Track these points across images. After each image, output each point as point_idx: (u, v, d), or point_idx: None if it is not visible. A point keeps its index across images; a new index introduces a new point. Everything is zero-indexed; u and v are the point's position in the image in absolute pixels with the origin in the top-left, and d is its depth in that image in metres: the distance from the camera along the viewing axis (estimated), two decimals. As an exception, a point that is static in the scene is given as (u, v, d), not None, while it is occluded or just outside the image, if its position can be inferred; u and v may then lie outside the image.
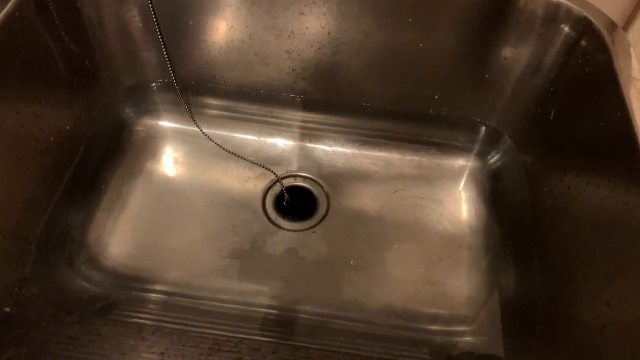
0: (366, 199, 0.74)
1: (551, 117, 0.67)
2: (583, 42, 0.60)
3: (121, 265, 0.67)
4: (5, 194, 0.58)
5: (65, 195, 0.68)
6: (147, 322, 0.57)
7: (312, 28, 0.70)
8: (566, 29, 0.61)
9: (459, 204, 0.74)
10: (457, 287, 0.67)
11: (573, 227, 0.57)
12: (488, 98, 0.74)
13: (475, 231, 0.71)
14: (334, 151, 0.79)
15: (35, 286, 0.59)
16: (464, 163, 0.77)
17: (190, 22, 0.71)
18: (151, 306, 0.63)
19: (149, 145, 0.78)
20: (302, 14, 0.68)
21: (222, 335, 0.57)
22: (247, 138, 0.80)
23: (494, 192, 0.74)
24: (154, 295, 0.65)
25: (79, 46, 0.69)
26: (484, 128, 0.77)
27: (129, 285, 0.65)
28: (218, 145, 0.79)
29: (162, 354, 0.49)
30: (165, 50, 0.74)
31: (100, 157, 0.74)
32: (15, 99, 0.58)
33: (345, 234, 0.71)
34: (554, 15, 0.61)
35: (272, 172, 0.77)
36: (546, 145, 0.68)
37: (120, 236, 0.69)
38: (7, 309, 0.53)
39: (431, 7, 0.65)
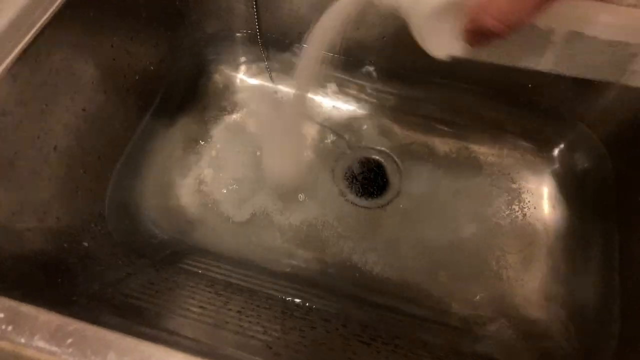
0: (442, 183, 0.71)
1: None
2: None
3: (190, 214, 0.66)
4: (91, 129, 0.57)
5: (143, 136, 0.67)
6: (218, 276, 0.56)
7: None
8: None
9: (538, 199, 0.70)
10: (522, 285, 0.64)
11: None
12: (587, 96, 0.70)
13: (552, 230, 0.68)
14: (412, 125, 0.76)
15: (110, 224, 0.59)
16: (548, 159, 0.74)
17: None
18: (217, 260, 0.62)
19: (225, 96, 0.76)
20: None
21: (289, 301, 0.56)
22: (323, 103, 0.78)
23: (579, 193, 0.70)
24: (220, 248, 0.64)
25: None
26: (577, 126, 0.73)
27: (196, 236, 0.65)
28: (293, 107, 0.76)
29: (239, 312, 0.48)
30: (255, 1, 0.71)
31: (178, 101, 0.72)
32: (111, 31, 0.57)
33: (415, 217, 0.68)
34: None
35: (344, 139, 0.74)
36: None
37: (190, 185, 0.68)
38: (86, 244, 0.53)
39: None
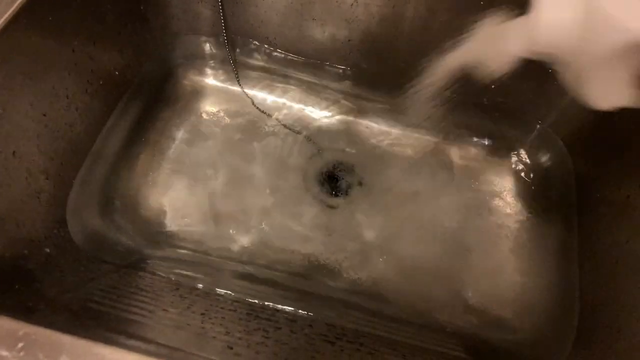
0: (404, 183, 0.72)
1: (612, 124, 0.64)
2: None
3: (155, 219, 0.65)
4: (52, 134, 0.56)
5: (107, 141, 0.66)
6: (183, 280, 0.56)
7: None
8: None
9: (504, 199, 0.72)
10: (486, 282, 0.65)
11: (629, 237, 0.55)
12: (548, 97, 0.72)
13: (515, 229, 0.69)
14: (379, 128, 0.77)
15: (73, 230, 0.58)
16: (511, 159, 0.75)
17: None
18: (182, 264, 0.62)
19: (192, 100, 0.76)
20: (369, -17, 0.66)
21: (256, 303, 0.56)
22: (291, 105, 0.78)
23: (541, 192, 0.72)
24: (185, 252, 0.64)
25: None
26: (537, 126, 0.74)
27: (161, 240, 0.64)
28: (259, 109, 0.77)
29: (203, 314, 0.48)
30: (220, 4, 0.71)
31: (144, 107, 0.72)
32: (73, 36, 0.57)
33: (381, 217, 0.69)
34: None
35: (312, 141, 0.75)
36: (604, 152, 0.66)
37: (156, 189, 0.68)
38: (48, 250, 0.52)
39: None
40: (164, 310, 0.47)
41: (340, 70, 0.77)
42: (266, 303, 0.55)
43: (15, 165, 0.51)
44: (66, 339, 0.33)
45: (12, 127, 0.49)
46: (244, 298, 0.56)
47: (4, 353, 0.32)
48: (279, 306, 0.56)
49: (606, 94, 0.36)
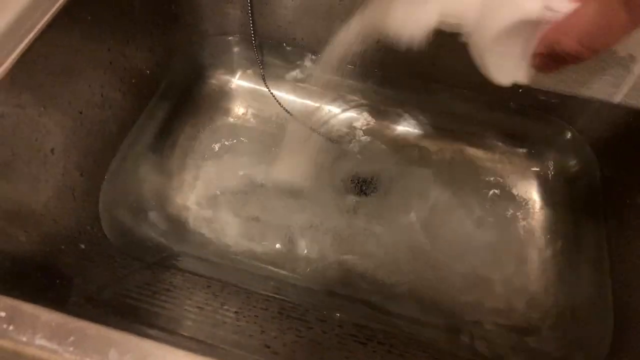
0: (431, 187, 0.72)
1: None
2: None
3: (183, 218, 0.66)
4: (87, 131, 0.57)
5: (138, 138, 0.67)
6: (214, 278, 0.56)
7: None
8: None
9: (529, 203, 0.72)
10: (515, 287, 0.65)
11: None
12: (576, 101, 0.71)
13: (543, 233, 0.69)
14: (404, 130, 0.77)
15: (106, 227, 0.59)
16: (538, 163, 0.75)
17: None
18: (211, 262, 0.63)
19: (221, 100, 0.77)
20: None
21: (286, 302, 0.56)
22: (317, 107, 0.78)
23: (568, 196, 0.72)
24: (214, 251, 0.64)
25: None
26: (565, 129, 0.74)
27: (190, 238, 0.65)
28: (286, 111, 0.77)
29: (236, 312, 0.49)
30: (250, 5, 0.72)
31: (173, 104, 0.72)
32: (109, 35, 0.57)
33: (410, 220, 0.69)
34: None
35: (336, 143, 0.75)
36: (632, 157, 0.66)
37: (185, 187, 0.68)
38: (83, 246, 0.53)
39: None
40: (199, 307, 0.48)
41: (369, 72, 0.77)
42: (294, 302, 0.55)
43: (53, 162, 0.52)
44: (114, 334, 0.33)
45: (52, 124, 0.50)
46: (275, 296, 0.56)
47: (55, 347, 0.32)
48: (309, 306, 0.56)
49: (503, 70, 0.37)
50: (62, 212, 0.53)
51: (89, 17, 0.53)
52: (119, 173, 0.64)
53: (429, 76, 0.76)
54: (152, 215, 0.64)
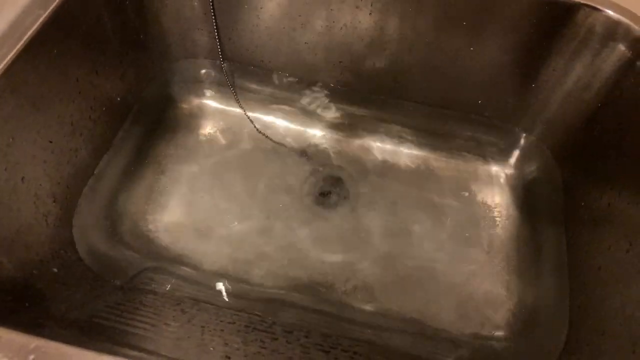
0: (397, 197, 0.75)
1: (595, 134, 0.67)
2: (638, 63, 0.60)
3: (158, 238, 0.68)
4: (58, 159, 0.59)
5: (111, 163, 0.69)
6: (185, 295, 0.59)
7: (364, 22, 0.71)
8: (622, 47, 0.61)
9: (492, 209, 0.74)
10: (478, 290, 0.68)
11: (610, 243, 0.58)
12: (532, 108, 0.75)
13: (506, 238, 0.72)
14: (370, 144, 0.80)
15: (80, 250, 0.61)
16: (500, 169, 0.78)
17: (245, 6, 0.72)
18: (184, 280, 0.64)
19: (192, 122, 0.79)
20: (357, 7, 0.69)
21: (253, 316, 0.58)
22: (287, 125, 0.81)
23: (529, 200, 0.74)
24: (186, 269, 0.66)
25: (136, 20, 0.70)
26: (524, 137, 0.77)
27: (164, 257, 0.67)
28: (258, 130, 0.80)
29: (203, 327, 0.51)
30: (217, 31, 0.75)
31: (145, 130, 0.75)
32: (76, 67, 0.60)
33: (373, 229, 0.71)
34: (612, 33, 0.61)
35: (310, 160, 0.78)
36: (588, 161, 0.69)
37: (158, 209, 0.70)
38: (55, 270, 0.55)
39: (487, 12, 0.65)
40: (166, 324, 0.50)
41: (333, 90, 0.80)
42: (261, 315, 0.57)
43: (24, 190, 0.54)
44: (74, 351, 0.35)
45: (21, 154, 0.53)
46: (243, 311, 0.58)
47: (16, 365, 0.34)
48: (276, 319, 0.58)
49: None
50: (35, 238, 0.55)
51: (55, 50, 0.55)
52: (93, 197, 0.66)
53: (392, 92, 0.79)
54: (126, 237, 0.66)
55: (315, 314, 0.62)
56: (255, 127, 0.80)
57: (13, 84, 0.50)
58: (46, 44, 0.54)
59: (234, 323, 0.54)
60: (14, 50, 0.50)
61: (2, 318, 0.36)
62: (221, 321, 0.53)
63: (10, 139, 0.51)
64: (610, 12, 0.59)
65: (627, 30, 0.60)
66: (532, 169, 0.76)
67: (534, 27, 0.66)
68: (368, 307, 0.64)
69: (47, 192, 0.58)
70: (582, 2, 0.60)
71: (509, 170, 0.78)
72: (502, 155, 0.78)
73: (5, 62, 0.49)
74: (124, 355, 0.35)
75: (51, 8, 0.53)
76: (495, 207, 0.74)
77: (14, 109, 0.51)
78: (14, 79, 0.50)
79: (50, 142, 0.57)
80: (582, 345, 0.56)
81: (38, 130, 0.55)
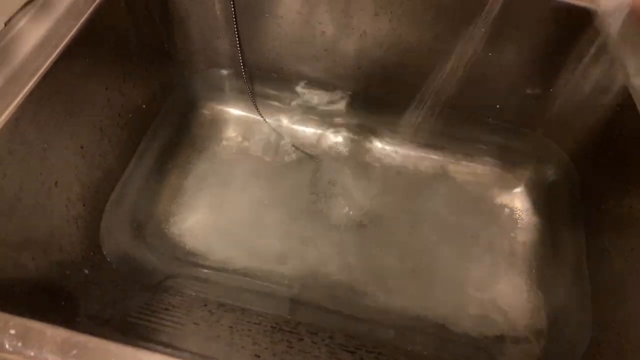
0: (417, 204, 0.76)
1: (614, 137, 0.68)
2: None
3: (182, 241, 0.70)
4: (88, 164, 0.61)
5: (136, 168, 0.71)
6: (211, 297, 0.60)
7: (384, 29, 0.72)
8: None
9: (512, 214, 0.75)
10: (500, 294, 0.68)
11: (632, 246, 0.58)
12: (551, 112, 0.75)
13: (527, 241, 0.72)
14: (388, 149, 0.81)
15: (108, 252, 0.62)
16: (519, 174, 0.78)
17: (267, 15, 0.74)
18: (209, 282, 0.66)
19: (214, 128, 0.81)
20: (376, 14, 0.70)
21: (279, 317, 0.59)
22: (306, 130, 0.83)
23: (548, 205, 0.75)
24: (211, 272, 0.67)
25: (161, 29, 0.72)
26: (543, 141, 0.78)
27: (188, 260, 0.68)
28: (279, 135, 0.81)
29: (231, 327, 0.52)
30: (238, 39, 0.77)
31: (169, 136, 0.77)
32: (106, 75, 0.62)
33: (393, 233, 0.72)
34: (630, 37, 0.62)
35: (327, 165, 0.79)
36: (607, 164, 0.69)
37: (183, 212, 0.72)
38: (86, 271, 0.56)
39: (506, 18, 0.66)
40: (195, 324, 0.51)
41: (353, 97, 0.82)
42: (288, 317, 0.58)
43: (57, 194, 0.56)
44: (113, 346, 0.36)
45: (56, 159, 0.54)
46: (268, 312, 0.59)
47: (60, 359, 0.35)
48: (301, 320, 0.59)
49: None
50: (67, 240, 0.57)
51: (88, 60, 0.57)
52: (120, 201, 0.68)
53: (411, 97, 0.80)
54: (151, 240, 0.68)
55: (337, 315, 0.63)
56: (277, 132, 0.81)
57: (49, 92, 0.52)
58: (79, 55, 0.56)
59: (260, 324, 0.55)
60: (50, 59, 0.52)
61: (43, 315, 0.38)
62: (248, 322, 0.55)
63: (46, 145, 0.53)
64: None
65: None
66: (551, 173, 0.77)
67: (552, 32, 0.67)
68: (392, 310, 0.65)
69: (78, 196, 0.60)
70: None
71: (529, 175, 0.78)
72: (521, 160, 0.79)
73: (42, 70, 0.51)
74: (161, 352, 0.37)
75: (83, 18, 0.55)
76: (515, 212, 0.75)
77: (50, 116, 0.53)
78: (50, 87, 0.52)
79: (82, 147, 0.59)
80: (604, 349, 0.57)
81: (71, 135, 0.57)
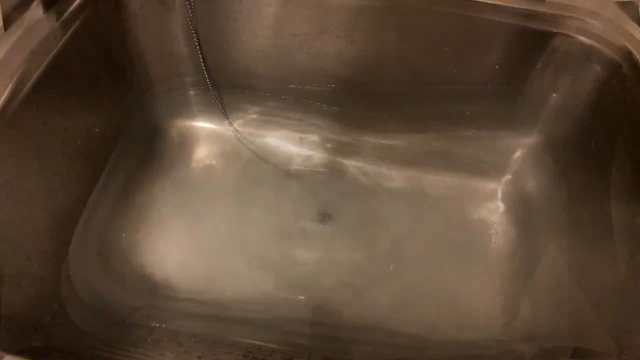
0: (393, 217, 0.76)
1: (592, 146, 0.66)
2: (613, 81, 0.62)
3: (151, 272, 0.68)
4: (54, 196, 0.58)
5: (101, 199, 0.68)
6: (182, 328, 0.59)
7: (355, 45, 0.70)
8: (598, 68, 0.63)
9: (489, 226, 0.75)
10: (479, 304, 0.69)
11: (612, 254, 0.58)
12: (524, 121, 0.75)
13: (504, 253, 0.73)
14: (361, 166, 0.81)
15: (77, 286, 0.61)
16: (495, 185, 0.79)
17: (231, 40, 0.71)
18: (181, 313, 0.65)
19: (183, 147, 0.79)
20: (345, 35, 0.69)
21: (252, 344, 0.58)
22: (281, 145, 0.82)
23: (526, 216, 0.75)
24: (184, 302, 0.66)
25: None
26: (519, 150, 0.77)
27: (159, 292, 0.67)
28: (249, 148, 0.80)
29: (200, 357, 0.51)
30: (199, 47, 0.70)
31: (135, 162, 0.74)
32: (72, 107, 0.60)
33: (372, 248, 0.72)
34: (586, 56, 0.63)
35: (303, 182, 0.78)
36: (587, 171, 0.67)
37: (152, 242, 0.71)
38: (55, 306, 0.55)
39: (471, 31, 0.66)
40: (161, 355, 0.50)
41: (327, 109, 0.80)
42: (259, 343, 0.57)
43: (25, 227, 0.53)
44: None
45: (21, 191, 0.52)
46: (240, 340, 0.58)
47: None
48: (275, 346, 0.58)
49: None
50: (35, 274, 0.54)
51: (54, 91, 0.55)
52: (85, 233, 0.65)
53: (384, 110, 0.78)
54: (119, 272, 0.66)
55: (315, 338, 0.63)
56: (246, 146, 0.80)
57: (7, 124, 0.48)
58: (46, 87, 0.53)
59: (232, 353, 0.54)
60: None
61: (12, 347, 0.36)
62: (219, 351, 0.54)
63: (8, 175, 0.50)
64: (582, 39, 0.61)
65: (600, 53, 0.62)
66: (529, 183, 0.76)
67: (514, 50, 0.67)
68: (370, 326, 0.65)
69: (45, 228, 0.57)
70: (556, 30, 0.62)
71: (505, 187, 0.78)
72: (496, 171, 0.79)
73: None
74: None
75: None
76: (492, 224, 0.75)
77: (12, 146, 0.50)
78: (7, 120, 0.48)
79: (47, 177, 0.57)
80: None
81: (38, 166, 0.54)
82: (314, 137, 0.82)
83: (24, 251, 0.53)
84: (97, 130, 0.65)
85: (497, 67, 0.69)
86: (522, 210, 0.77)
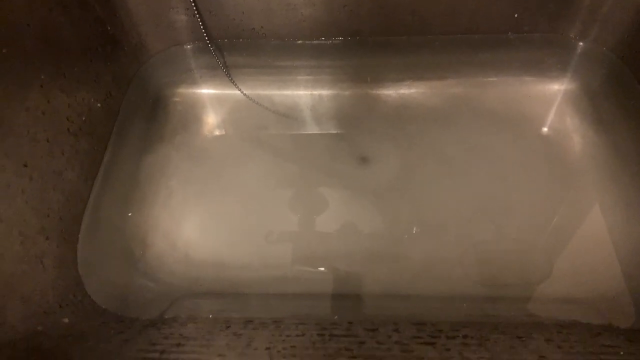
0: (448, 145, 0.63)
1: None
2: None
3: (183, 257, 0.56)
4: (40, 186, 0.47)
5: (107, 183, 0.58)
6: (233, 315, 0.47)
7: None
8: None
9: (558, 134, 0.62)
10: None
11: None
12: (579, 11, 0.63)
13: (584, 160, 0.60)
14: (400, 94, 0.68)
15: (91, 290, 0.49)
16: (557, 88, 0.66)
17: None
18: (224, 299, 0.53)
19: (190, 117, 0.68)
20: None
21: (323, 320, 0.46)
22: (293, 94, 0.69)
23: (601, 116, 0.62)
24: (224, 285, 0.54)
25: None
26: (580, 45, 0.65)
27: (197, 276, 0.55)
28: (259, 105, 0.68)
29: (268, 348, 0.39)
30: (194, 5, 0.63)
31: (139, 135, 0.64)
32: (37, 69, 0.48)
33: (430, 180, 0.60)
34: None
35: (323, 128, 0.66)
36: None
37: (174, 226, 0.59)
38: (66, 320, 0.43)
39: None
40: (220, 355, 0.38)
41: (342, 43, 0.68)
42: (335, 317, 0.45)
43: (2, 230, 0.42)
44: None
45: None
46: (308, 318, 0.46)
47: None
48: (351, 318, 0.46)
49: None
50: (32, 287, 0.43)
51: (4, 50, 0.44)
52: (96, 227, 0.55)
53: (411, 29, 0.67)
54: (142, 265, 0.54)
55: (397, 299, 0.51)
56: (257, 103, 0.68)
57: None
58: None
59: (304, 335, 0.42)
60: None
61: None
62: (287, 336, 0.42)
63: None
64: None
65: None
66: (597, 79, 0.65)
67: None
68: (449, 280, 0.53)
69: (35, 228, 0.46)
70: None
71: (568, 86, 0.66)
72: (555, 71, 0.66)
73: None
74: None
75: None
76: (559, 130, 0.62)
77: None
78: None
79: (25, 165, 0.46)
80: None
81: (5, 152, 0.43)
82: (327, 93, 0.69)
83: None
84: (99, 105, 0.59)
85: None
86: (595, 110, 0.64)
